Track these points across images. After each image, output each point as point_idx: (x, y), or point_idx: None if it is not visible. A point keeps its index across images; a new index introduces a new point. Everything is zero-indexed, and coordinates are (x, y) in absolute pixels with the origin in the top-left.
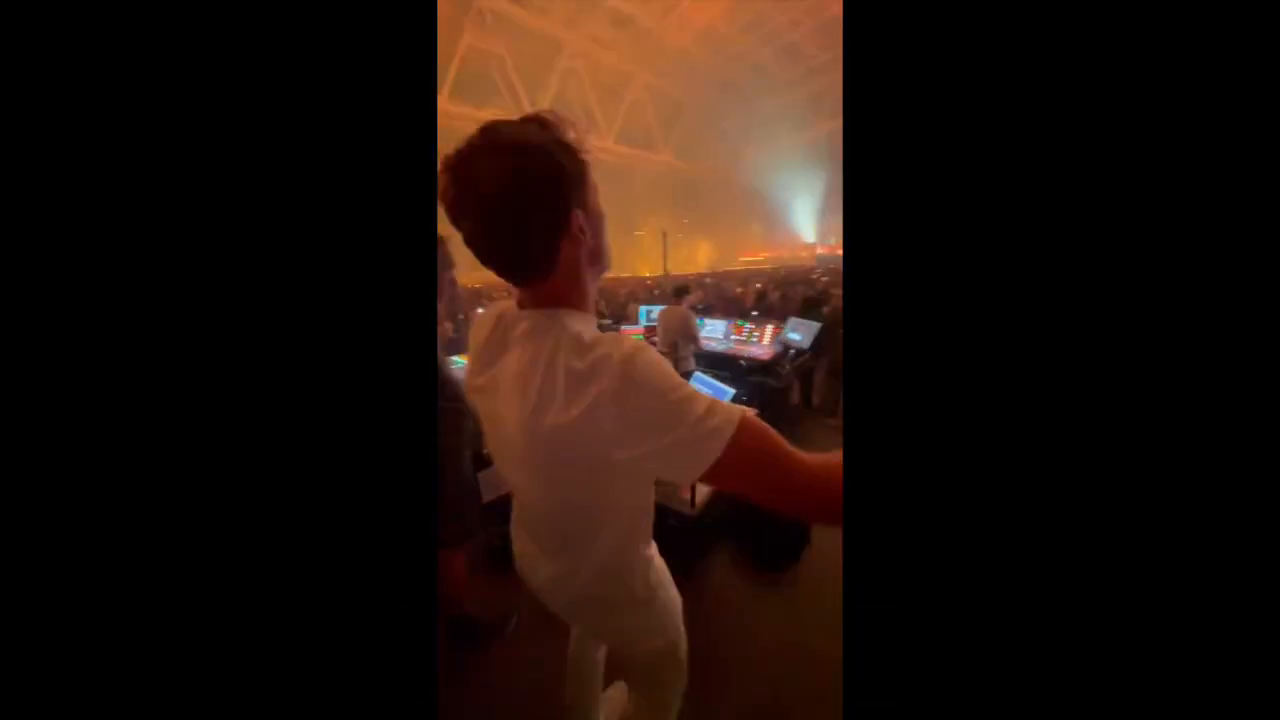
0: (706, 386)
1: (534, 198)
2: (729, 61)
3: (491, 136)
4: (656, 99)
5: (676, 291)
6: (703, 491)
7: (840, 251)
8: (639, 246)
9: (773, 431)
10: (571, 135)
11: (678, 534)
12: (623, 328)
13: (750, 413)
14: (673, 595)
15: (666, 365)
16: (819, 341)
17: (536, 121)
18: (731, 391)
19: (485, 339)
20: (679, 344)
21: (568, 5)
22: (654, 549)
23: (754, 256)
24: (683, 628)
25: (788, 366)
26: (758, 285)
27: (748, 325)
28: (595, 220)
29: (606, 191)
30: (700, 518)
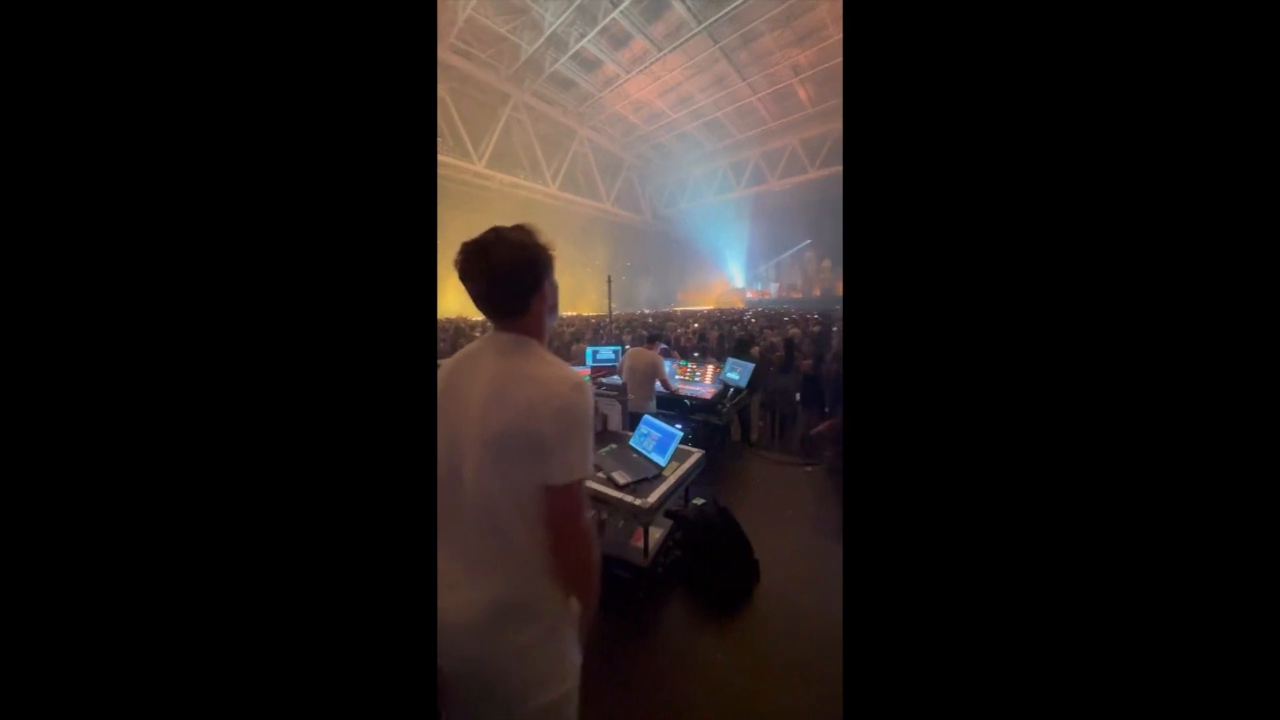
0: (656, 430)
1: (526, 271)
2: (663, 129)
3: (502, 234)
4: (598, 153)
5: (650, 338)
6: (654, 539)
7: (767, 296)
8: (582, 285)
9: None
10: (545, 240)
11: (631, 585)
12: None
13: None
14: (575, 640)
15: (592, 402)
16: (753, 381)
17: (526, 229)
18: (680, 434)
19: (466, 352)
20: (642, 385)
21: (514, 65)
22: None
23: (692, 299)
24: (578, 681)
25: (727, 405)
26: (695, 325)
27: (691, 365)
28: (554, 288)
29: (548, 232)
30: (653, 567)
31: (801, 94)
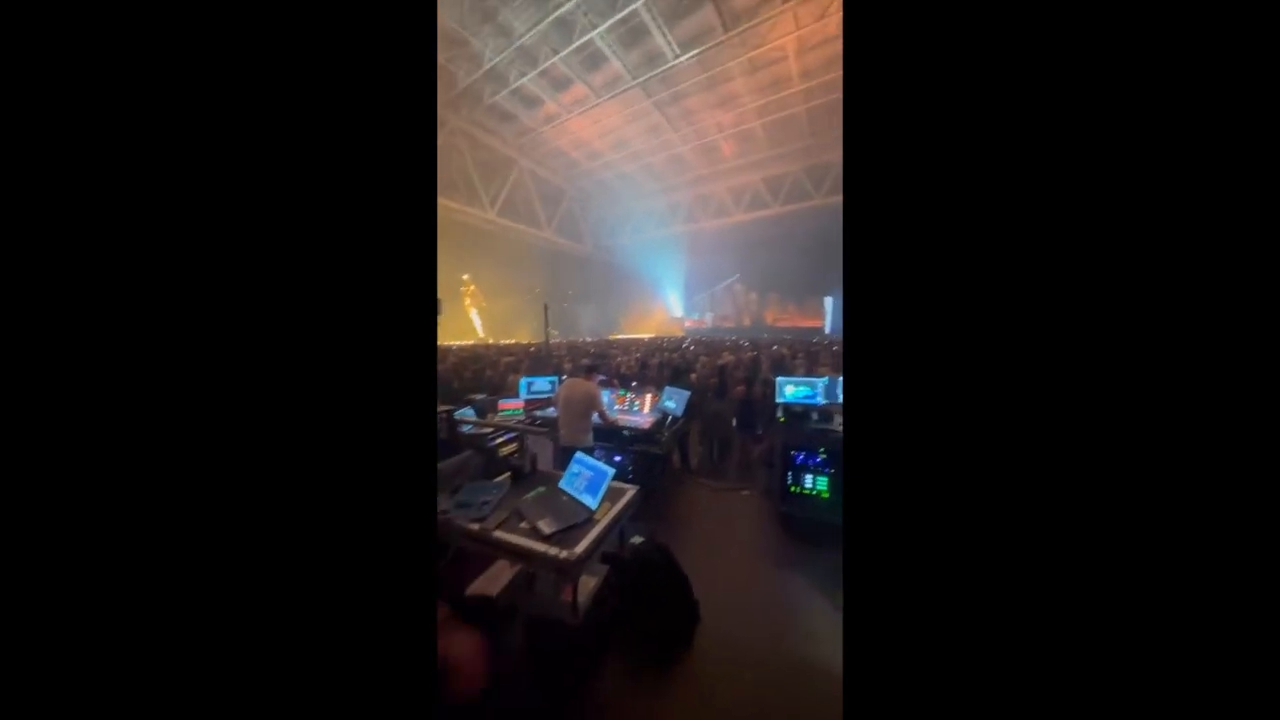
0: (588, 468)
1: None
2: (603, 167)
3: None
4: (538, 183)
5: (589, 368)
6: (589, 588)
7: (704, 324)
8: (521, 311)
9: None
10: None
11: (564, 648)
12: (500, 402)
13: None
14: None
15: None
16: (691, 408)
17: None
18: (611, 471)
19: None
20: (579, 418)
21: (451, 95)
22: None
23: (634, 327)
24: None
25: (666, 433)
26: (637, 354)
27: (629, 395)
28: None
29: (485, 258)
30: (586, 623)
31: (725, 149)
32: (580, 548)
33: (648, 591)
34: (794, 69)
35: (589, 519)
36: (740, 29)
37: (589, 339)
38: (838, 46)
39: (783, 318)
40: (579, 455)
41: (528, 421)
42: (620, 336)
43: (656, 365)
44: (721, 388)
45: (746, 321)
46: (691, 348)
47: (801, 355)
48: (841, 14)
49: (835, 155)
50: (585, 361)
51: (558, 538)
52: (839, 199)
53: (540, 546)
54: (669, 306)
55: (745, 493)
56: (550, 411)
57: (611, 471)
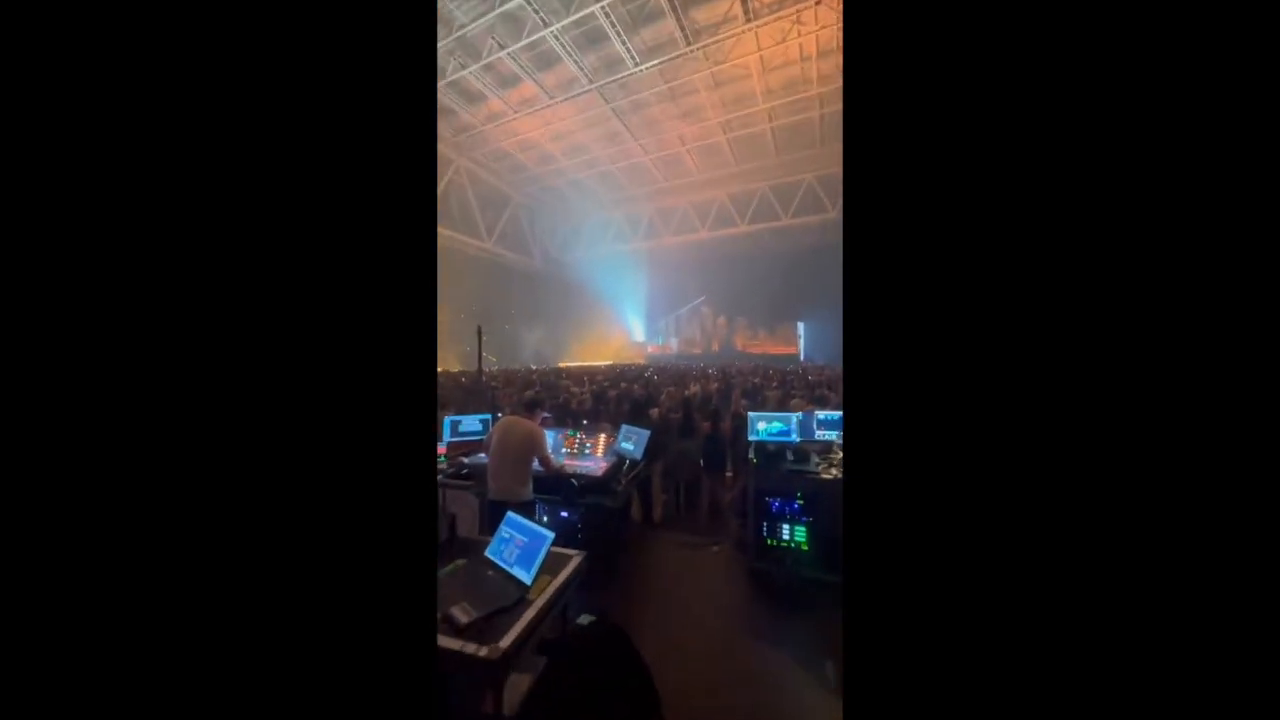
0: (521, 532)
1: None
2: (554, 174)
3: None
4: (478, 185)
5: (528, 405)
6: (521, 690)
7: (669, 350)
8: (452, 333)
9: None
10: None
11: None
12: None
13: None
14: None
15: None
16: (652, 448)
17: None
18: (551, 535)
19: None
20: (516, 465)
21: None
22: None
23: (589, 353)
24: None
25: (623, 481)
26: (592, 386)
27: (579, 435)
28: None
29: None
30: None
31: (689, 161)
32: (508, 640)
33: (597, 687)
34: (757, 87)
35: (521, 599)
36: (702, 43)
37: (535, 366)
38: (798, 70)
39: (753, 344)
40: (510, 516)
41: (450, 471)
42: (573, 364)
43: (615, 398)
44: (687, 424)
45: (715, 347)
46: (655, 377)
47: (776, 385)
48: (799, 41)
49: (802, 175)
50: (528, 394)
51: (477, 628)
52: (808, 220)
53: (454, 643)
54: (630, 331)
55: (715, 548)
56: (480, 458)
57: (551, 536)
